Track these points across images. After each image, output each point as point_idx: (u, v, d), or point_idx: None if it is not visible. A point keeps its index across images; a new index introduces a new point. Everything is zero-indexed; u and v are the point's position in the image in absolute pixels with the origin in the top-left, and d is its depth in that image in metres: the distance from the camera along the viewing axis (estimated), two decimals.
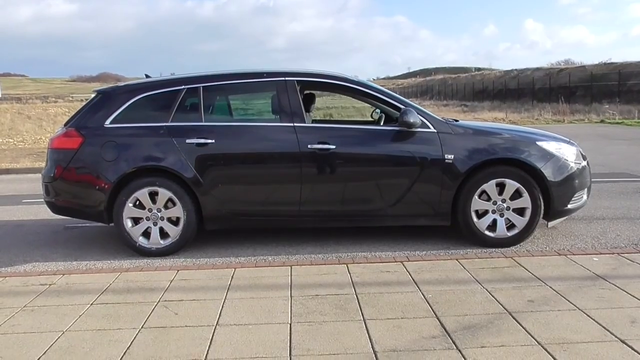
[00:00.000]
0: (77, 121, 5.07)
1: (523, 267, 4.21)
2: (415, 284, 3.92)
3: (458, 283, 3.92)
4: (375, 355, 2.87)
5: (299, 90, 4.95)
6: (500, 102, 41.09)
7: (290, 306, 3.56)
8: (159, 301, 3.70)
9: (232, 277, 4.17)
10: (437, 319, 3.31)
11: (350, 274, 4.17)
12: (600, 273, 4.01)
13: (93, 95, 5.25)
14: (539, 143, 4.89)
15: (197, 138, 4.83)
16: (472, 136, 4.88)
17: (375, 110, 5.90)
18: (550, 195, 4.77)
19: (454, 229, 5.03)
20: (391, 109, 5.00)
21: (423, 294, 3.71)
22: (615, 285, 3.74)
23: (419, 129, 4.80)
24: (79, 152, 4.91)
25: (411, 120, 4.70)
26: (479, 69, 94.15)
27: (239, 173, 4.88)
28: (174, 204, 4.83)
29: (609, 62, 36.80)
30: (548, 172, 4.75)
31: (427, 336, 3.09)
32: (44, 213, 6.81)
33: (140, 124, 4.99)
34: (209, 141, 4.82)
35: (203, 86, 5.01)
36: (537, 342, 2.94)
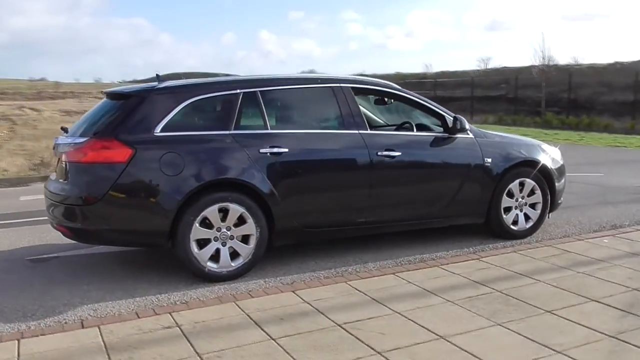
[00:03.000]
0: (112, 129, 4.21)
1: (573, 252, 4.93)
2: (526, 275, 4.32)
3: (554, 271, 4.43)
4: (617, 339, 3.23)
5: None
6: None
7: (467, 309, 3.67)
8: (340, 324, 3.44)
9: (359, 290, 4.02)
10: (598, 302, 3.79)
11: (456, 274, 4.37)
12: (631, 251, 4.96)
13: (118, 99, 4.42)
14: (542, 147, 5.73)
15: (271, 147, 4.45)
16: (499, 142, 5.48)
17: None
18: (554, 191, 5.64)
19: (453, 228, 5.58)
20: (433, 117, 5.30)
21: (547, 283, 4.16)
22: None
23: (464, 135, 5.21)
24: (131, 167, 4.10)
25: (466, 127, 5.11)
26: (228, 76, 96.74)
27: (310, 183, 4.65)
28: (244, 221, 4.38)
29: (363, 73, 41.96)
30: (554, 171, 5.61)
31: (622, 315, 3.55)
32: None
33: (199, 132, 4.39)
34: (283, 150, 4.49)
35: (260, 91, 4.62)
36: None
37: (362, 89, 5.10)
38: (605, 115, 25.81)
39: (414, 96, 5.28)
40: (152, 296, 4.10)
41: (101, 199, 4.08)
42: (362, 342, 3.20)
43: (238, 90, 4.55)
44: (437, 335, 3.29)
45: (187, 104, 4.38)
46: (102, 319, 3.64)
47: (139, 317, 3.59)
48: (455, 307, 3.72)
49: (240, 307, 3.73)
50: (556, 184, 5.64)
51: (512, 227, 5.48)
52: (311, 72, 55.11)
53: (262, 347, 3.14)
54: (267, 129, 4.56)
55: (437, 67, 47.03)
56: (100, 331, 3.38)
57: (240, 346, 3.15)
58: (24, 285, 4.38)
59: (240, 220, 4.38)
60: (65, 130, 4.83)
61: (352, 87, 4.95)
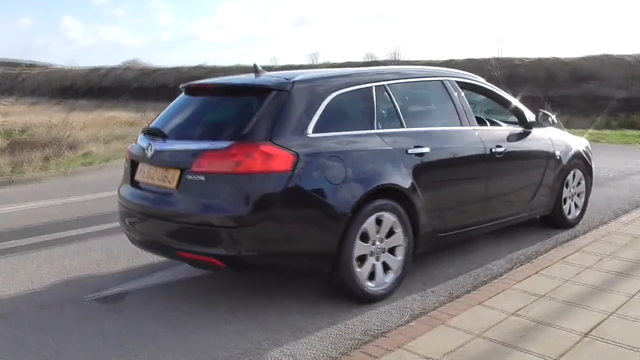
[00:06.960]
0: (263, 130, 3.40)
1: None
2: None
3: None
4: None
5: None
6: (100, 101, 39.78)
7: None
8: (585, 333, 3.20)
9: (539, 294, 3.80)
10: None
11: (594, 269, 4.32)
12: None
13: (244, 95, 3.69)
14: (578, 138, 5.99)
15: (415, 147, 3.99)
16: (559, 135, 5.57)
17: None
18: (591, 180, 5.96)
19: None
20: (512, 112, 5.25)
21: None
22: None
23: (538, 129, 5.23)
24: (296, 176, 3.36)
25: (551, 121, 5.12)
26: (32, 64, 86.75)
27: (446, 185, 4.27)
28: (393, 232, 3.88)
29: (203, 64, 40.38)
30: (591, 161, 5.92)
31: None
32: None
33: (350, 132, 3.76)
34: (425, 150, 4.05)
35: (388, 84, 4.12)
36: None
37: (461, 83, 4.81)
38: None
39: (499, 90, 5.16)
40: (329, 328, 3.41)
41: (265, 218, 3.28)
42: None
43: (370, 84, 4.00)
44: None
45: (332, 99, 3.72)
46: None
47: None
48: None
49: (460, 329, 3.29)
50: (592, 173, 5.97)
51: (568, 216, 5.66)
52: (134, 61, 50.87)
53: None
54: (404, 126, 4.08)
55: (275, 60, 47.09)
56: None
57: None
58: (133, 335, 3.35)
59: (390, 231, 3.87)
60: (152, 132, 3.80)
61: (457, 81, 4.68)
